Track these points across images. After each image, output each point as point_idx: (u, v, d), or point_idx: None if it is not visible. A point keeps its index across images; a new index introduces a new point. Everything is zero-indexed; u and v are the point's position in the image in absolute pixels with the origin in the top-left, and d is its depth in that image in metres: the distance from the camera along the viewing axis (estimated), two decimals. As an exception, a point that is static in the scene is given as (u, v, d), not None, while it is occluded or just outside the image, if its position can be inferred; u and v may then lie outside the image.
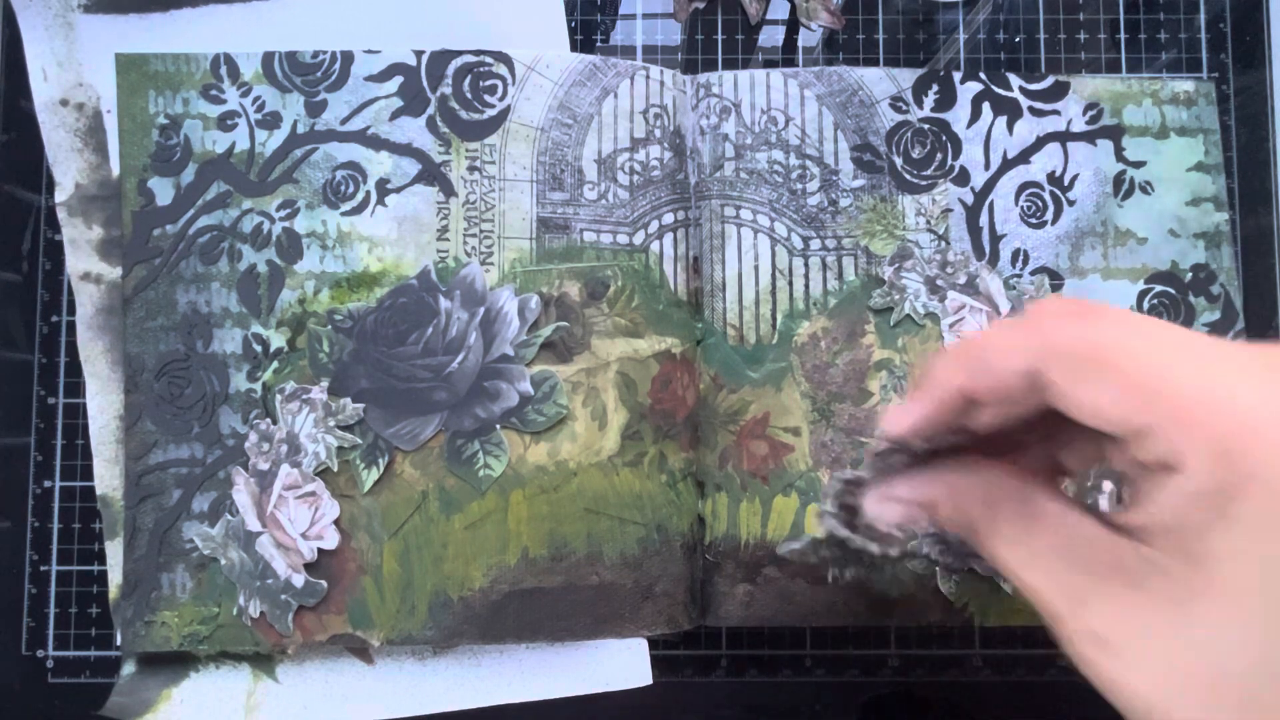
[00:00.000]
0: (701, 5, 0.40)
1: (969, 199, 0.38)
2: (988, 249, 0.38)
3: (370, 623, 0.36)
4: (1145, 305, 0.38)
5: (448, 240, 0.37)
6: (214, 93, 0.37)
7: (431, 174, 0.37)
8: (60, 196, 0.38)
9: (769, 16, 0.41)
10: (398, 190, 0.37)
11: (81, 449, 0.38)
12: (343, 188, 0.37)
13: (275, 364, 0.37)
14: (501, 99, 0.37)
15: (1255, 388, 0.20)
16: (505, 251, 0.37)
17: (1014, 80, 0.39)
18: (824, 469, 0.37)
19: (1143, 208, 0.39)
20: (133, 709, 0.36)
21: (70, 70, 0.38)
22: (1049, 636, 0.39)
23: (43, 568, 0.38)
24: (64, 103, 0.38)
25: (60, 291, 0.39)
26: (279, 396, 0.36)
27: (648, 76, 0.37)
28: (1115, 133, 0.39)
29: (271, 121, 0.37)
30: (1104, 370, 0.21)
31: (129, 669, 0.37)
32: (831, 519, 0.27)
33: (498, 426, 0.36)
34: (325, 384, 0.36)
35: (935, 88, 0.39)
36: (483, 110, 0.37)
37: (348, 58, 0.37)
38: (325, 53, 0.37)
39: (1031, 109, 0.39)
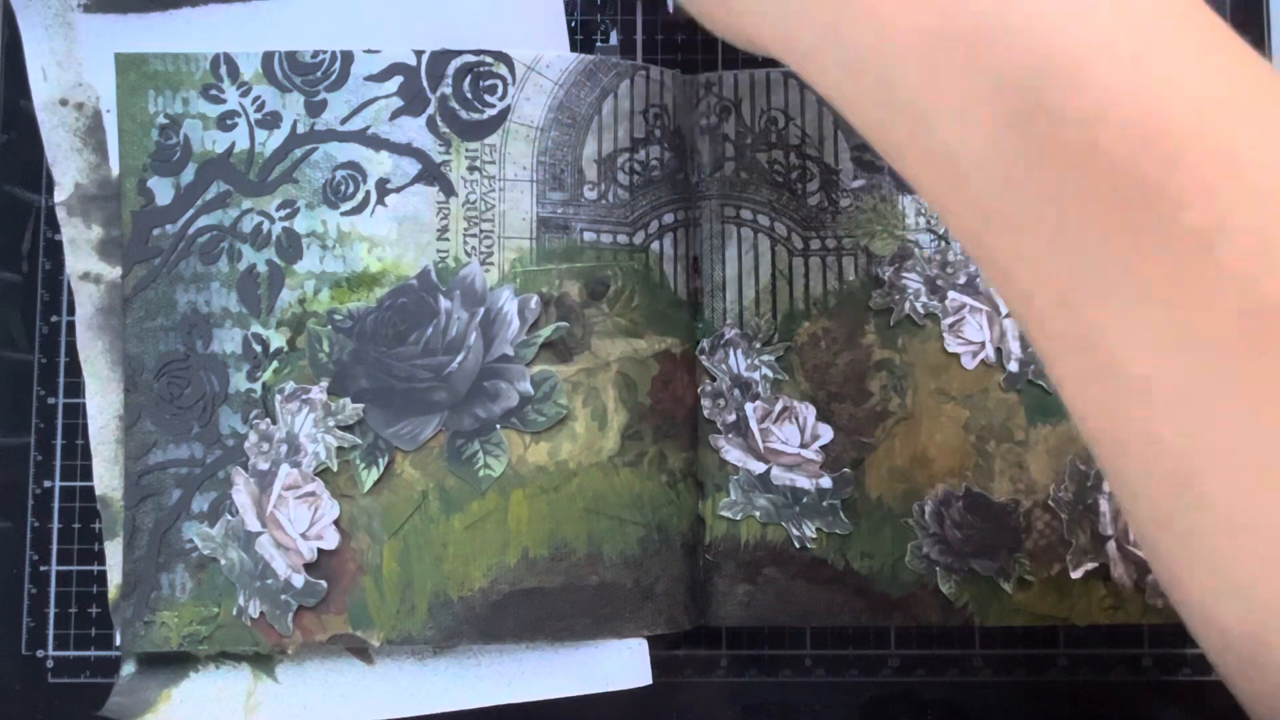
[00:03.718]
0: None
1: (969, 199, 0.38)
2: (988, 249, 0.38)
3: (370, 623, 0.36)
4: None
5: (448, 240, 0.37)
6: (214, 92, 0.37)
7: (431, 174, 0.37)
8: (60, 196, 0.38)
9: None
10: (398, 190, 0.37)
11: (81, 449, 0.38)
12: (343, 188, 0.37)
13: (275, 364, 0.37)
14: (501, 99, 0.37)
15: None
16: (505, 251, 0.37)
17: (1014, 80, 0.39)
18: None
19: (1142, 208, 0.39)
20: (133, 709, 0.36)
21: (70, 70, 0.38)
22: (1049, 636, 0.39)
23: (43, 568, 0.38)
24: (64, 102, 0.38)
25: (60, 291, 0.39)
26: (279, 396, 0.36)
27: (647, 76, 0.37)
28: (1115, 133, 0.39)
29: (271, 121, 0.37)
30: None
31: (129, 669, 0.37)
32: None
33: (498, 426, 0.36)
34: (325, 384, 0.36)
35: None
36: (483, 110, 0.37)
37: (348, 57, 0.37)
38: (325, 52, 0.37)
39: (1031, 109, 0.39)
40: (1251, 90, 0.21)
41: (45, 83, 0.38)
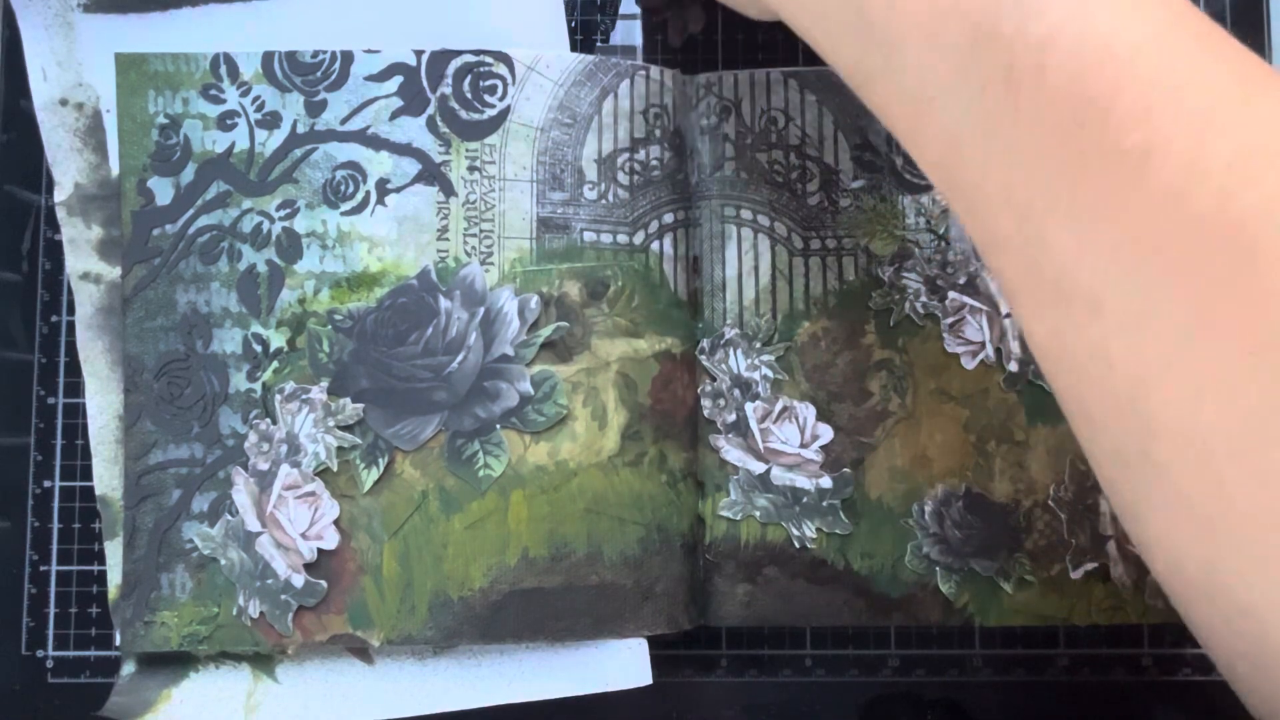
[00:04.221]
0: (698, 28, 0.40)
1: (969, 199, 0.38)
2: (988, 249, 0.38)
3: (370, 623, 0.36)
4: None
5: (448, 240, 0.37)
6: (214, 92, 0.37)
7: (431, 174, 0.37)
8: (60, 196, 0.38)
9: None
10: (398, 190, 0.37)
11: (81, 449, 0.38)
12: (342, 187, 0.37)
13: (275, 364, 0.37)
14: (501, 99, 0.37)
15: None
16: (505, 251, 0.37)
17: (1014, 80, 0.39)
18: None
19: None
20: (132, 709, 0.36)
21: (70, 70, 0.38)
22: (1049, 636, 0.39)
23: (43, 568, 0.38)
24: (63, 102, 0.38)
25: (60, 291, 0.39)
26: (279, 396, 0.36)
27: (647, 76, 0.37)
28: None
29: (271, 121, 0.37)
30: None
31: (129, 669, 0.37)
32: None
33: (498, 426, 0.36)
34: (325, 384, 0.36)
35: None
36: (483, 110, 0.37)
37: (347, 57, 0.37)
38: (325, 52, 0.37)
39: (1031, 109, 0.39)
40: (1185, 26, 0.23)
41: (45, 83, 0.38)
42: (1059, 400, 0.26)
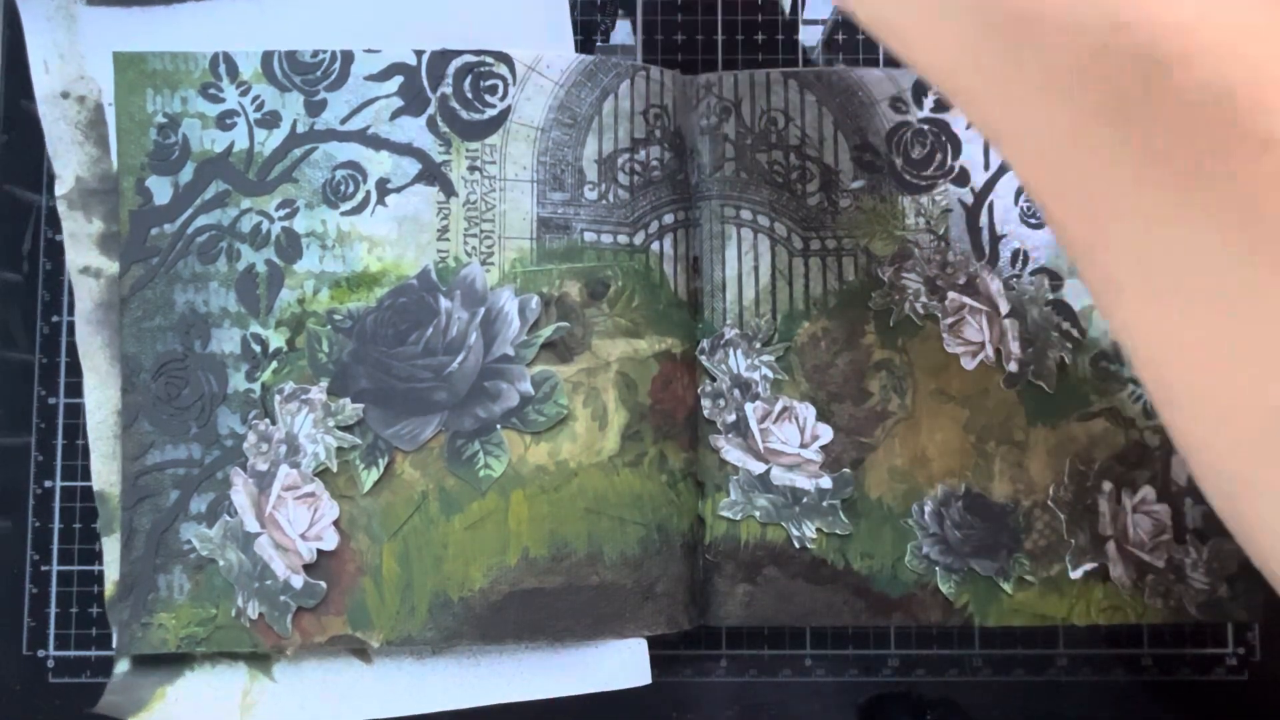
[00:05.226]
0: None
1: (969, 199, 0.38)
2: (987, 249, 0.38)
3: (370, 624, 0.36)
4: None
5: (448, 240, 0.37)
6: (213, 91, 0.37)
7: (432, 174, 0.37)
8: (60, 190, 0.37)
9: (795, 15, 0.41)
10: (398, 190, 0.37)
11: (82, 449, 0.38)
12: (342, 187, 0.37)
13: (274, 364, 0.37)
14: (502, 99, 0.37)
15: None
16: (505, 251, 0.37)
17: (1014, 81, 0.39)
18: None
19: (1142, 208, 0.39)
20: (126, 708, 0.36)
21: (72, 63, 0.38)
22: (1048, 636, 0.39)
23: (43, 568, 0.38)
24: (65, 95, 0.38)
25: (61, 291, 0.39)
26: (278, 397, 0.36)
27: (648, 76, 0.37)
28: (1114, 133, 0.39)
29: (271, 121, 0.37)
30: None
31: (122, 667, 0.37)
32: None
33: (498, 426, 0.36)
34: (324, 384, 0.36)
35: (935, 88, 0.39)
36: (483, 110, 0.37)
37: (347, 57, 0.37)
38: (325, 52, 0.37)
39: (1031, 110, 0.39)
40: None
41: (47, 75, 0.38)
42: (1159, 389, 0.25)
